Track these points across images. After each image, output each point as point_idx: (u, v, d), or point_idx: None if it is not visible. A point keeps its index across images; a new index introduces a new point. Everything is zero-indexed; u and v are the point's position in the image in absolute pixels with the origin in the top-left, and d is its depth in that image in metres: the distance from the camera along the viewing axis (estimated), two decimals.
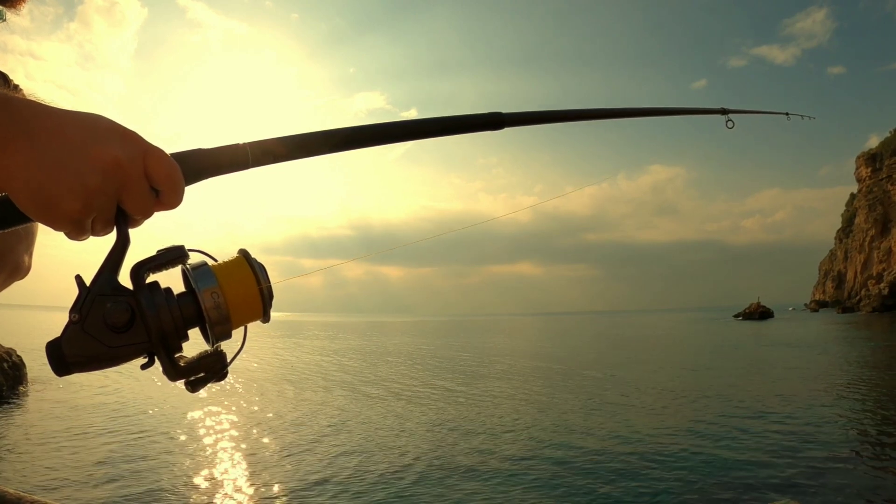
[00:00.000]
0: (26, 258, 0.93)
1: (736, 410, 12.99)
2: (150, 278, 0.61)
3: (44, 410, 13.24)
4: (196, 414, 13.26)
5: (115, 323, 0.56)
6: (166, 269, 0.61)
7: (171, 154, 0.61)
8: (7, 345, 15.87)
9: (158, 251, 0.61)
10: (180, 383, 0.61)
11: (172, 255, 0.61)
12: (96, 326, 0.56)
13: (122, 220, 0.59)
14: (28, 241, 0.93)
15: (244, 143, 0.67)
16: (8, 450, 9.81)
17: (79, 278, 0.58)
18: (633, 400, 14.87)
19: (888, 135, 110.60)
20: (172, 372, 0.60)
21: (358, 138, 0.74)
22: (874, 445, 10.02)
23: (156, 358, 0.60)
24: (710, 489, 7.67)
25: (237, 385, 18.56)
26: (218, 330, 0.60)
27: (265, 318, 0.63)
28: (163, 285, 0.61)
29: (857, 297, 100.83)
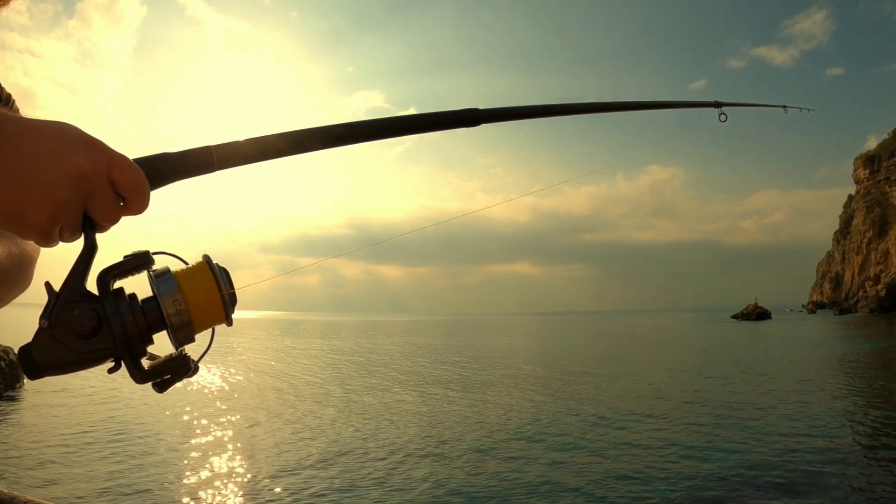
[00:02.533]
0: (32, 271, 0.95)
1: (731, 412, 12.98)
2: (121, 284, 0.62)
3: (40, 409, 13.20)
4: (195, 414, 13.24)
5: (82, 330, 0.57)
6: (132, 275, 0.62)
7: (137, 159, 0.61)
8: (4, 343, 15.81)
9: (125, 257, 0.62)
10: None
11: (137, 262, 0.61)
12: (64, 333, 0.57)
13: (90, 227, 0.60)
14: (36, 256, 0.95)
15: (210, 146, 0.66)
16: (3, 448, 9.77)
17: (48, 285, 0.59)
18: (630, 401, 14.85)
19: (886, 136, 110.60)
20: (138, 375, 0.61)
21: (328, 138, 0.72)
22: (870, 448, 10.02)
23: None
24: (706, 491, 7.67)
25: (236, 386, 18.54)
26: (180, 334, 0.61)
27: (228, 321, 0.63)
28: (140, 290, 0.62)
29: (855, 299, 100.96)
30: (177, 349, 0.63)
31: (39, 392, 15.02)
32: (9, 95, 0.99)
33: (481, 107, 0.81)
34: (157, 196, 0.64)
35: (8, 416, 12.36)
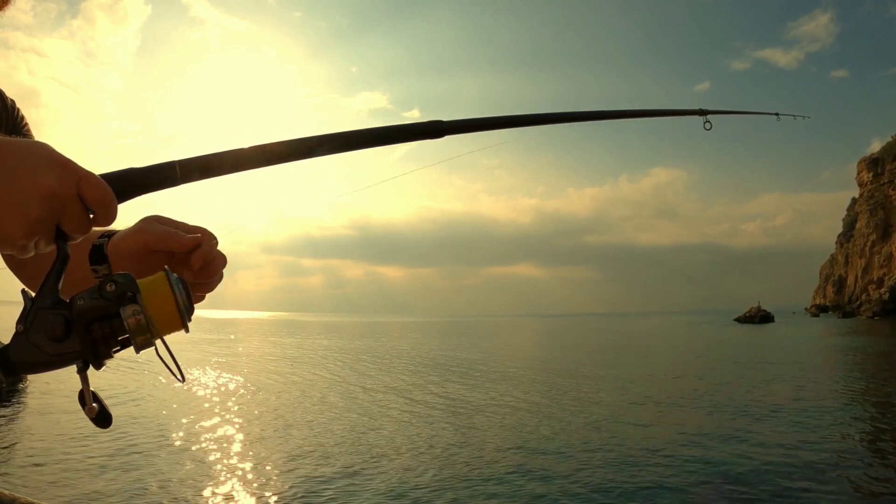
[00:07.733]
0: None
1: (734, 414, 12.96)
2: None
3: (42, 410, 13.21)
4: (199, 416, 13.25)
5: (53, 334, 0.62)
6: None
7: (105, 175, 0.66)
8: (6, 342, 15.86)
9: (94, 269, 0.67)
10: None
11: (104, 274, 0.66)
12: (38, 336, 0.62)
13: (62, 238, 0.64)
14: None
15: (174, 161, 0.70)
16: (4, 450, 9.77)
17: (24, 292, 0.64)
18: (633, 404, 14.84)
19: (890, 139, 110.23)
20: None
21: (291, 152, 0.75)
22: (873, 450, 9.99)
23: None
24: (707, 491, 7.65)
25: (238, 388, 18.57)
26: (140, 340, 0.65)
27: (185, 329, 0.68)
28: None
29: (858, 302, 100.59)
30: (137, 353, 0.67)
31: (41, 392, 15.04)
32: (13, 102, 1.00)
33: (446, 118, 0.82)
34: (135, 207, 0.68)
35: (9, 417, 12.38)
